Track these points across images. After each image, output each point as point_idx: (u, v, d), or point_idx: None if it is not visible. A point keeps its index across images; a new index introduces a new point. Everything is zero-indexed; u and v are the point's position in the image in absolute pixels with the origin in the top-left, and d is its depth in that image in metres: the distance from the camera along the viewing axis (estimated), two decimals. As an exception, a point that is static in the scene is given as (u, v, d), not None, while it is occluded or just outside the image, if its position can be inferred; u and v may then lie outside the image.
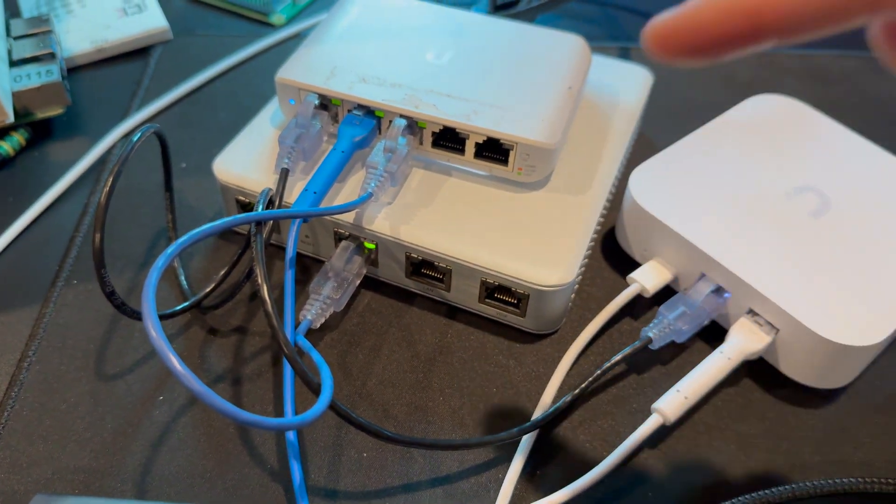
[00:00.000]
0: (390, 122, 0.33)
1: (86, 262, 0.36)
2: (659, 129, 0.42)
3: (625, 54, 0.49)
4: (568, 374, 0.32)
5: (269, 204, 0.32)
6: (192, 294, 0.34)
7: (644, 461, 0.30)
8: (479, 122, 0.33)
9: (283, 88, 0.35)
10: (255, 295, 0.35)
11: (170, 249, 0.23)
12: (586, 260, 0.35)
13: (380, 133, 0.35)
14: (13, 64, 0.41)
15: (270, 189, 0.31)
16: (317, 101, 0.34)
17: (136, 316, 0.30)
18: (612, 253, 0.37)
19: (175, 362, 0.20)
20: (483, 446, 0.29)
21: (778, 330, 0.30)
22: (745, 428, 0.31)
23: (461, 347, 0.33)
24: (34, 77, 0.40)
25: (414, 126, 0.34)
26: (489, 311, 0.33)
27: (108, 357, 0.32)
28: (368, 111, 0.34)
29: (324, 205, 0.32)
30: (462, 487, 0.29)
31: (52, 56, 0.42)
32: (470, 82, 0.34)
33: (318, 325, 0.31)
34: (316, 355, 0.27)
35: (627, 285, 0.34)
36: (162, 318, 0.32)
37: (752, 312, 0.31)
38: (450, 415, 0.31)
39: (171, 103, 0.44)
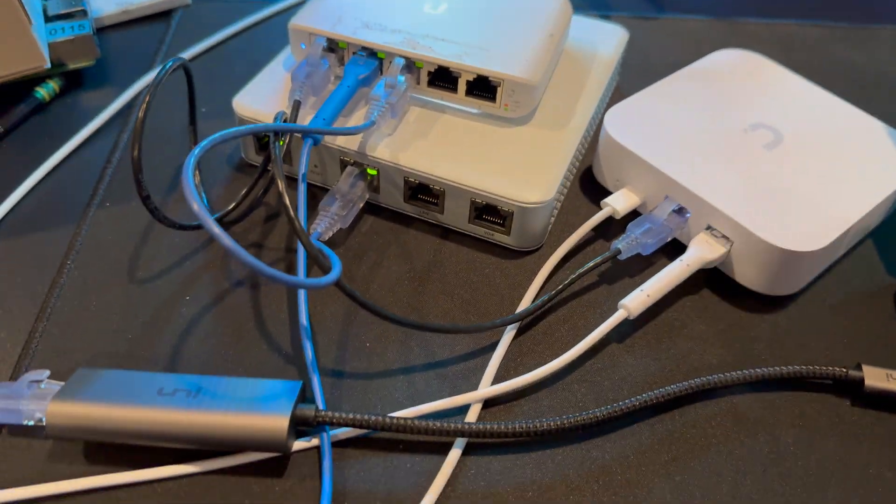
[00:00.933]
0: (391, 62, 0.37)
1: (117, 188, 0.40)
2: (634, 85, 0.47)
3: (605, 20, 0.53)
4: (548, 283, 0.36)
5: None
6: (213, 213, 0.38)
7: (611, 352, 0.34)
8: (469, 61, 0.37)
9: (296, 34, 0.39)
10: (271, 217, 0.39)
11: (204, 142, 0.27)
12: (566, 188, 0.39)
13: (381, 73, 0.39)
14: (48, 20, 0.45)
15: (285, 112, 0.36)
16: (325, 44, 0.38)
17: (168, 222, 0.34)
18: (590, 187, 0.41)
19: (209, 221, 0.24)
20: (471, 332, 0.33)
21: (732, 242, 0.35)
22: (701, 328, 0.35)
23: (453, 262, 0.37)
24: (68, 30, 0.45)
25: (412, 66, 0.38)
26: (478, 230, 0.37)
27: (139, 265, 0.36)
28: (371, 53, 0.38)
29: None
30: (453, 370, 0.33)
31: (83, 13, 0.46)
32: (462, 28, 0.38)
33: (326, 238, 0.35)
34: (326, 249, 0.31)
35: (601, 210, 0.38)
36: (184, 229, 0.36)
37: (710, 228, 0.35)
38: (442, 315, 0.35)
39: (190, 58, 0.48)
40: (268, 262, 0.37)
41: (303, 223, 0.33)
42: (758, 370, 0.32)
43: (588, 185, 0.41)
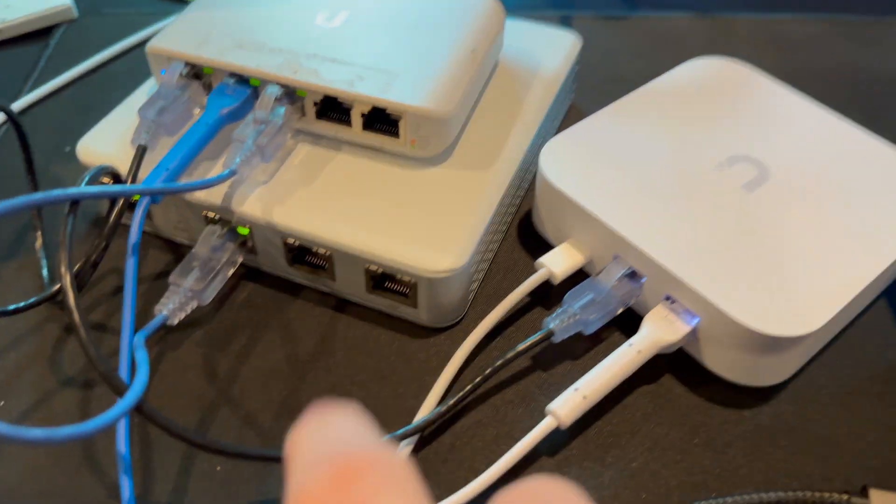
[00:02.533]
0: (264, 91, 0.30)
1: (-59, 255, 0.32)
2: (594, 100, 0.38)
3: (566, 22, 0.45)
4: (468, 370, 0.28)
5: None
6: (50, 286, 0.30)
7: (540, 468, 0.26)
8: (362, 88, 0.29)
9: (155, 59, 0.31)
10: (120, 288, 0.31)
11: None
12: (494, 245, 0.31)
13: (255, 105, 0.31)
14: None
15: (110, 166, 0.28)
16: (184, 70, 0.30)
17: None
18: (529, 238, 0.33)
19: None
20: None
21: (699, 319, 0.26)
22: (661, 432, 0.27)
23: (346, 345, 0.29)
24: None
25: (293, 95, 0.30)
26: (379, 302, 0.30)
27: (-52, 359, 0.29)
28: (242, 79, 0.30)
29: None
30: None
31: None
32: (360, 45, 0.30)
33: (177, 322, 0.27)
34: (142, 357, 0.23)
35: (541, 272, 0.30)
36: (13, 312, 0.28)
37: (669, 299, 0.27)
38: (324, 420, 0.27)
39: (64, 84, 0.40)
40: (108, 351, 0.29)
41: (130, 309, 0.25)
42: (733, 499, 0.24)
43: (528, 232, 0.33)
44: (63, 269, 0.23)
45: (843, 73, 0.41)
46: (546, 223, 0.31)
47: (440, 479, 0.25)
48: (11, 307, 0.28)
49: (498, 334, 0.30)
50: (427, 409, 0.27)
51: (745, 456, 0.26)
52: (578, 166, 0.30)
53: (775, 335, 0.25)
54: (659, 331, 0.27)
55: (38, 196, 0.22)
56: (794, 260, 0.27)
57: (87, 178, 0.27)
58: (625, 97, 0.33)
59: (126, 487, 0.24)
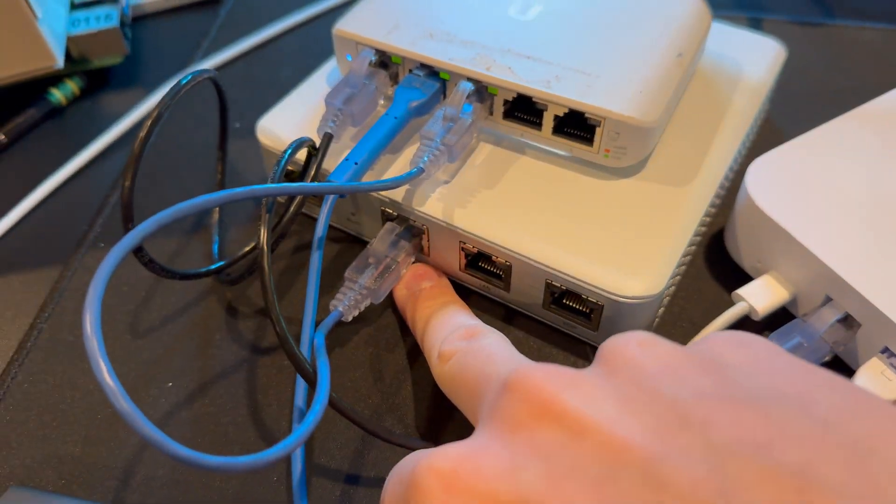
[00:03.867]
0: (455, 86, 0.28)
1: (116, 223, 0.33)
2: (790, 115, 0.35)
3: (755, 25, 0.41)
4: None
5: (303, 173, 0.27)
6: (218, 260, 0.30)
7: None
8: (560, 90, 0.27)
9: (342, 42, 0.30)
10: (296, 264, 0.30)
11: (126, 239, 0.18)
12: (682, 267, 0.29)
13: (444, 98, 0.29)
14: (74, 6, 0.39)
15: (310, 139, 0.27)
16: (373, 58, 0.29)
17: (165, 273, 0.26)
18: (718, 261, 0.30)
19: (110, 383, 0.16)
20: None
21: None
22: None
23: (518, 359, 0.28)
24: (92, 21, 0.38)
25: (484, 92, 0.28)
26: (555, 318, 0.28)
27: (121, 329, 0.29)
28: (432, 72, 0.29)
29: (368, 179, 0.28)
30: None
31: (113, 1, 0.39)
32: (557, 43, 0.28)
33: (351, 319, 0.26)
34: (322, 365, 0.22)
35: (733, 303, 0.27)
36: (182, 277, 0.28)
37: (887, 352, 0.24)
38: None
39: (234, 57, 0.40)
40: (270, 340, 0.28)
41: (312, 305, 0.25)
42: None
43: (716, 257, 0.30)
44: (263, 233, 0.23)
45: None
46: (743, 249, 0.29)
47: None
48: (187, 271, 0.28)
49: (681, 367, 0.27)
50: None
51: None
52: (790, 190, 0.27)
53: None
54: (874, 388, 0.24)
55: (227, 193, 0.21)
56: None
57: (289, 150, 0.26)
58: (839, 117, 0.30)
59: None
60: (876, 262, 0.25)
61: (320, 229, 0.25)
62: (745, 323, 0.27)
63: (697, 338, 0.26)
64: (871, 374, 0.24)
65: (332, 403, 0.22)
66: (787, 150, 0.28)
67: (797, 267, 0.26)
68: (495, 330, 0.24)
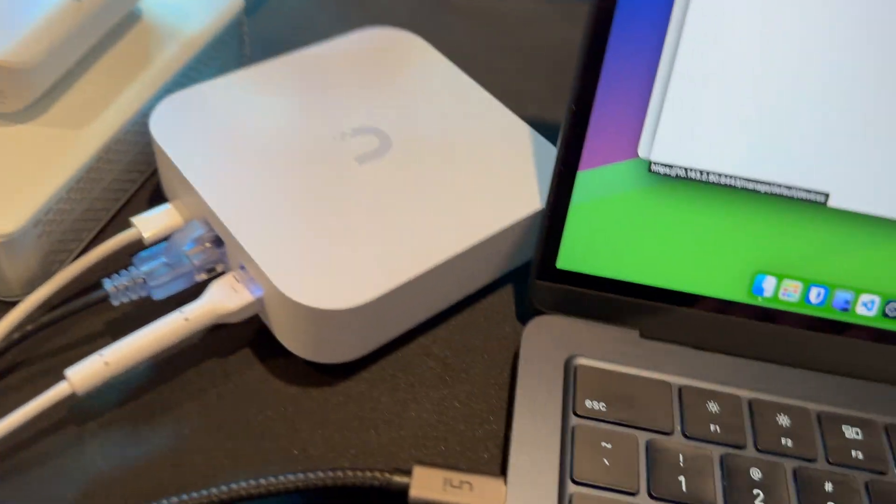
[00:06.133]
0: None
1: None
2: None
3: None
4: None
5: None
6: None
7: (66, 440, 0.24)
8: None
9: None
10: None
11: None
12: (107, 207, 0.29)
13: None
14: None
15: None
16: None
17: None
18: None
19: None
20: None
21: (263, 291, 0.25)
22: (222, 406, 0.25)
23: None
24: None
25: None
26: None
27: None
28: None
29: None
30: None
31: None
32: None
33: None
34: None
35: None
36: None
37: (244, 269, 0.26)
38: None
39: None
40: None
41: None
42: (266, 481, 0.23)
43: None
44: None
45: (552, 51, 0.41)
46: (165, 186, 0.30)
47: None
48: None
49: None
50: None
51: (312, 439, 0.25)
52: (191, 128, 0.29)
53: (312, 307, 0.24)
54: (219, 299, 0.25)
55: None
56: (367, 236, 0.26)
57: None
58: (268, 61, 0.32)
59: None
60: (243, 189, 0.27)
61: None
62: (138, 245, 0.28)
63: (85, 259, 0.27)
64: (221, 287, 0.26)
65: None
66: (199, 91, 0.30)
67: (186, 195, 0.28)
68: None
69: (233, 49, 0.35)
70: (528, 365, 0.26)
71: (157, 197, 0.31)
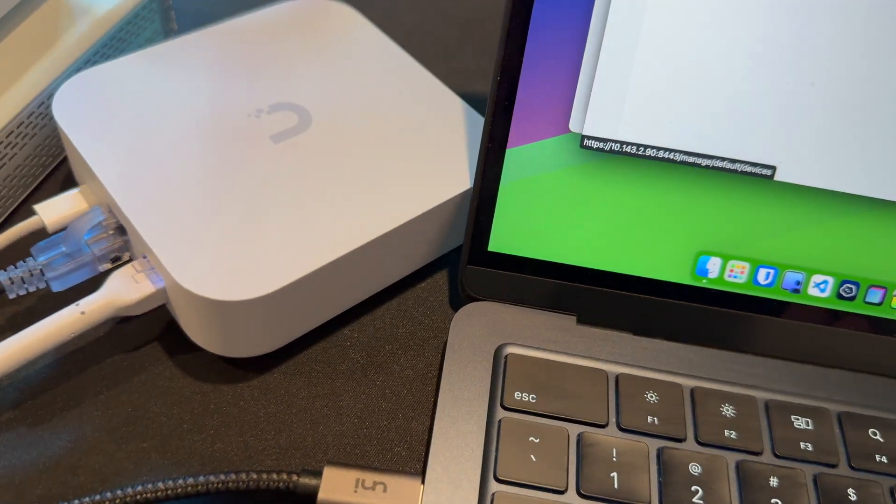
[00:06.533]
0: None
1: None
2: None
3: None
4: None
5: None
6: None
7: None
8: None
9: None
10: None
11: None
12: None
13: None
14: None
15: None
16: None
17: None
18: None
19: None
20: None
21: (165, 281, 0.24)
22: (130, 412, 0.24)
23: None
24: None
25: None
26: None
27: None
28: None
29: None
30: None
31: None
32: None
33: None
34: None
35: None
36: None
37: (146, 258, 0.24)
38: None
39: None
40: None
41: None
42: (164, 485, 0.21)
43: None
44: None
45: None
46: (74, 171, 0.28)
47: None
48: None
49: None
50: None
51: (213, 432, 0.23)
52: (97, 108, 0.27)
53: (211, 298, 0.22)
54: (118, 290, 0.24)
55: None
56: (278, 221, 0.24)
57: None
58: (187, 34, 0.30)
59: None
60: (147, 172, 0.25)
61: None
62: (43, 234, 0.26)
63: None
64: (120, 278, 0.24)
65: None
66: (107, 70, 0.28)
67: (91, 180, 0.26)
68: None
69: (156, 25, 0.33)
70: (455, 355, 0.24)
71: (69, 183, 0.29)
